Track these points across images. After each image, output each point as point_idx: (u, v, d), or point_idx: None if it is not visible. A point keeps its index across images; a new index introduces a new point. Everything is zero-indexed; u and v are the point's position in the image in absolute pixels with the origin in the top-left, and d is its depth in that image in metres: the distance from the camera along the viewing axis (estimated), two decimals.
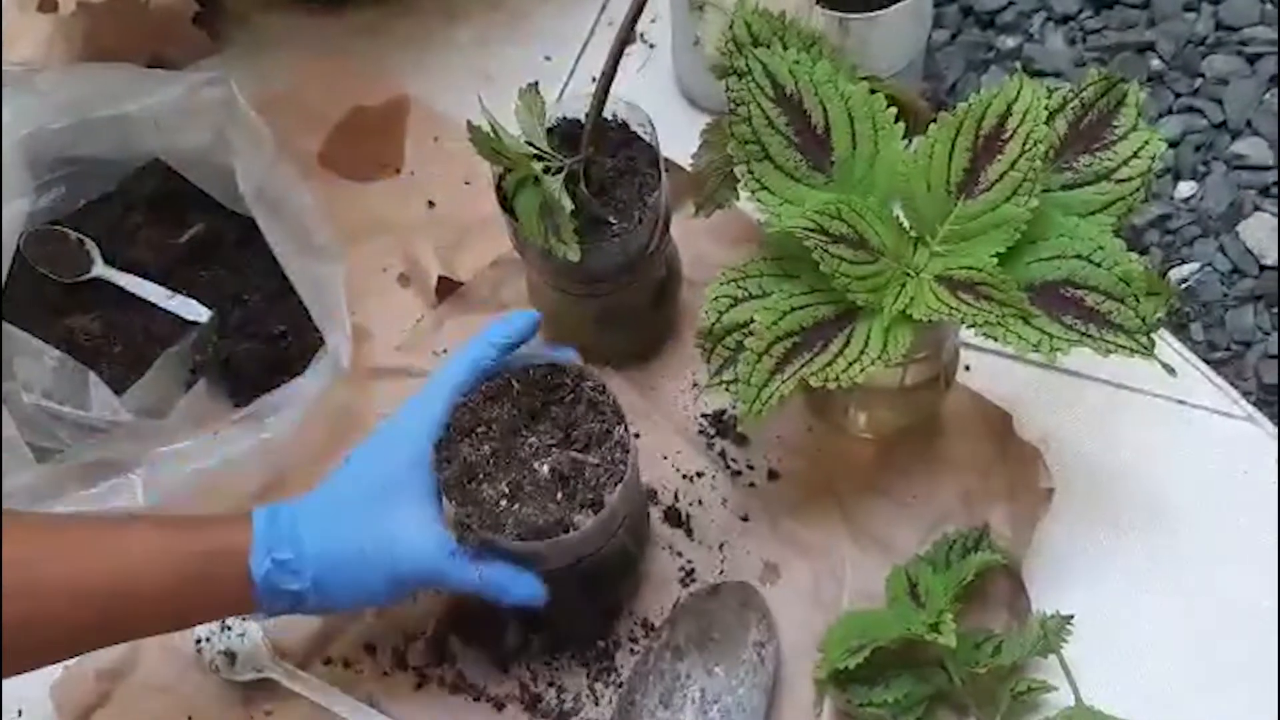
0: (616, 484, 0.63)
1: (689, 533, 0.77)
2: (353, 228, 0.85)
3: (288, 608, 0.63)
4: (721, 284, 0.64)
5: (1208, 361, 0.81)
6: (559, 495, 0.63)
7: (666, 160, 0.71)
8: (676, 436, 0.79)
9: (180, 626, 0.65)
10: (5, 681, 0.58)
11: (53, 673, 0.73)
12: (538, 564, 0.67)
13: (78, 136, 0.81)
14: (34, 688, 0.73)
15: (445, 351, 0.82)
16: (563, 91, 0.91)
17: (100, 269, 0.83)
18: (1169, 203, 0.86)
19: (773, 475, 0.78)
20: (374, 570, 0.62)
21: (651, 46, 0.93)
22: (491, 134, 0.65)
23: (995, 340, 0.60)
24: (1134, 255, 0.60)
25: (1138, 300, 0.60)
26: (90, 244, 0.84)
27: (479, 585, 0.63)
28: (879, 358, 0.61)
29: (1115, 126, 0.64)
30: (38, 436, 0.75)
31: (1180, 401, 0.79)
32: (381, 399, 0.81)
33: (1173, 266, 0.84)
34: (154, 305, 0.82)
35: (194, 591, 0.61)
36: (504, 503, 0.63)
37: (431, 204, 0.88)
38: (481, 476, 0.64)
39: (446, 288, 0.84)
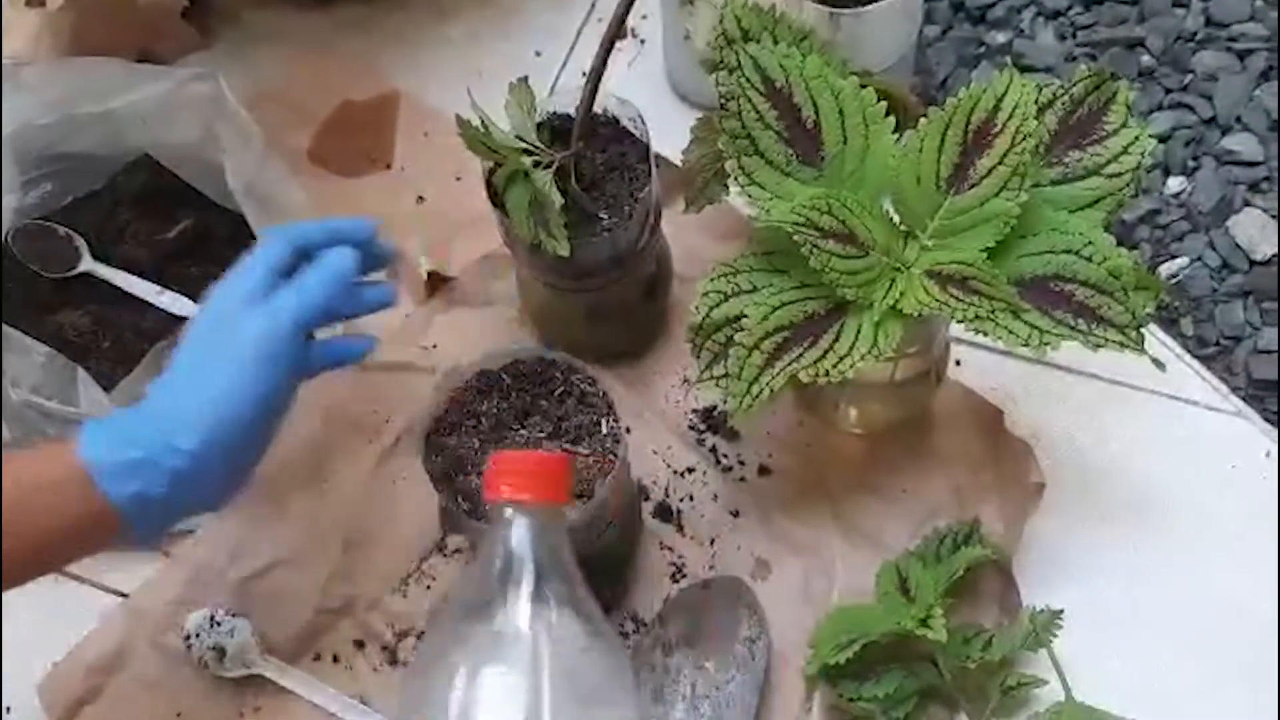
0: (607, 475, 0.63)
1: (680, 528, 0.77)
2: None
3: (148, 487, 0.57)
4: (712, 279, 0.64)
5: (1197, 357, 0.81)
6: None
7: (657, 155, 0.71)
8: (667, 432, 0.79)
9: (47, 568, 0.60)
10: None
11: (41, 670, 0.73)
12: None
13: (65, 132, 0.81)
14: (21, 684, 0.73)
15: (435, 346, 0.82)
16: (553, 86, 0.91)
17: (89, 264, 0.83)
18: (1159, 198, 0.86)
19: (763, 471, 0.78)
20: (215, 371, 0.59)
21: (642, 42, 0.93)
22: (481, 129, 0.65)
23: (985, 335, 0.60)
24: (1124, 250, 0.60)
25: (1127, 295, 0.60)
26: (78, 239, 0.83)
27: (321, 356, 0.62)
28: (869, 353, 0.61)
29: (1105, 122, 0.64)
30: (26, 433, 0.74)
31: (1170, 396, 0.79)
32: (370, 394, 0.81)
33: (1162, 261, 0.84)
34: (143, 301, 0.82)
35: (36, 516, 0.56)
36: None
37: (421, 199, 0.87)
38: (470, 468, 0.64)
39: (436, 283, 0.84)
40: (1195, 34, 0.91)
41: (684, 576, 0.75)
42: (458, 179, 0.87)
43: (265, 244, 0.64)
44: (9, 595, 0.58)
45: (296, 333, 0.61)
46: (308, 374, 0.65)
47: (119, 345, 0.81)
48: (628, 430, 0.76)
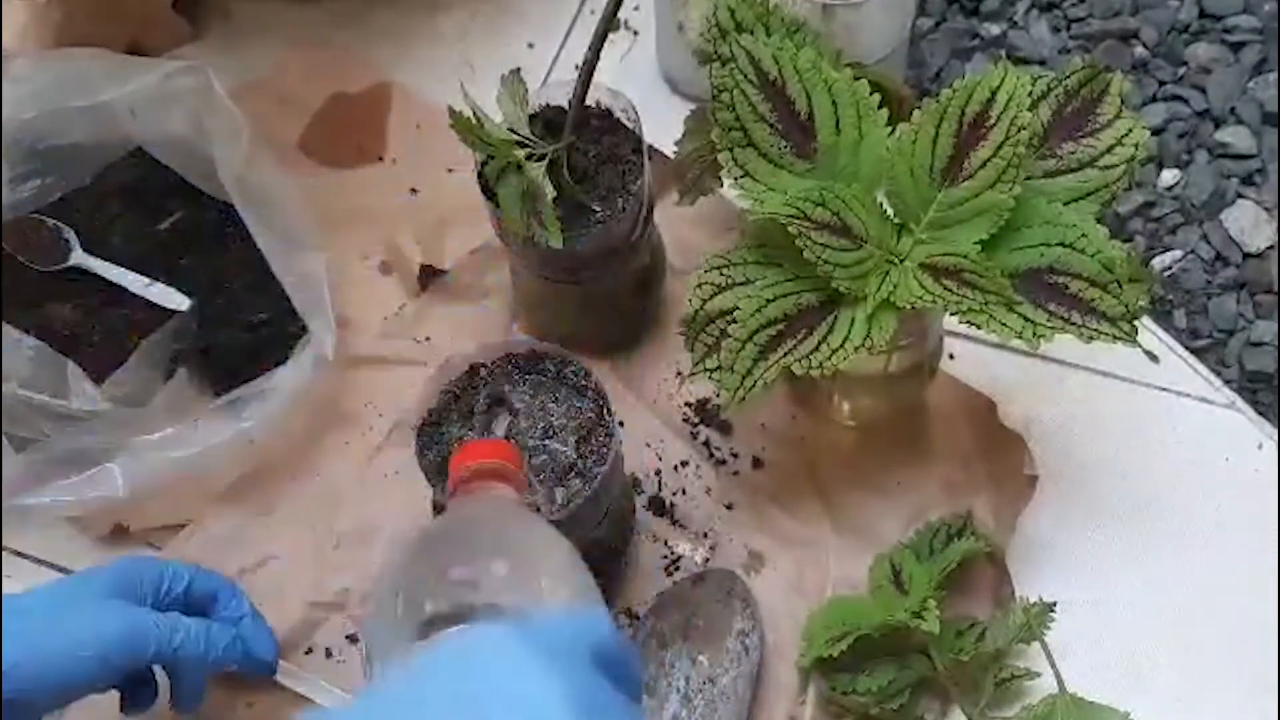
0: (599, 469, 0.63)
1: (673, 521, 0.76)
2: (334, 216, 0.84)
3: None
4: (705, 271, 0.64)
5: (1190, 349, 0.81)
6: (542, 480, 0.63)
7: (650, 147, 0.71)
8: (660, 425, 0.79)
9: None
10: None
11: None
12: None
13: (54, 125, 0.81)
14: None
15: (427, 339, 0.82)
16: (546, 78, 0.91)
17: (79, 257, 0.83)
18: (1152, 191, 0.86)
19: (757, 463, 0.78)
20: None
21: (635, 33, 0.92)
22: (474, 120, 0.65)
23: (979, 328, 0.60)
24: (1117, 243, 0.60)
25: (1121, 288, 0.60)
26: (68, 232, 0.83)
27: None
28: (862, 345, 0.61)
29: (1099, 115, 0.64)
30: (16, 427, 0.74)
31: (1163, 389, 0.79)
32: (363, 388, 0.80)
33: (1156, 254, 0.84)
34: (134, 294, 0.82)
35: None
36: None
37: (414, 191, 0.87)
38: None
39: (428, 276, 0.84)
40: (1189, 26, 0.91)
41: (677, 570, 0.75)
42: (450, 171, 0.86)
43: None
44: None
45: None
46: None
47: (110, 338, 0.81)
48: (621, 423, 0.76)
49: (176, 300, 0.81)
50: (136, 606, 0.62)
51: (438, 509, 0.65)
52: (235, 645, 0.65)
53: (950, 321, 0.63)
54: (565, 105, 0.68)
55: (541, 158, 0.66)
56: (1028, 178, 0.62)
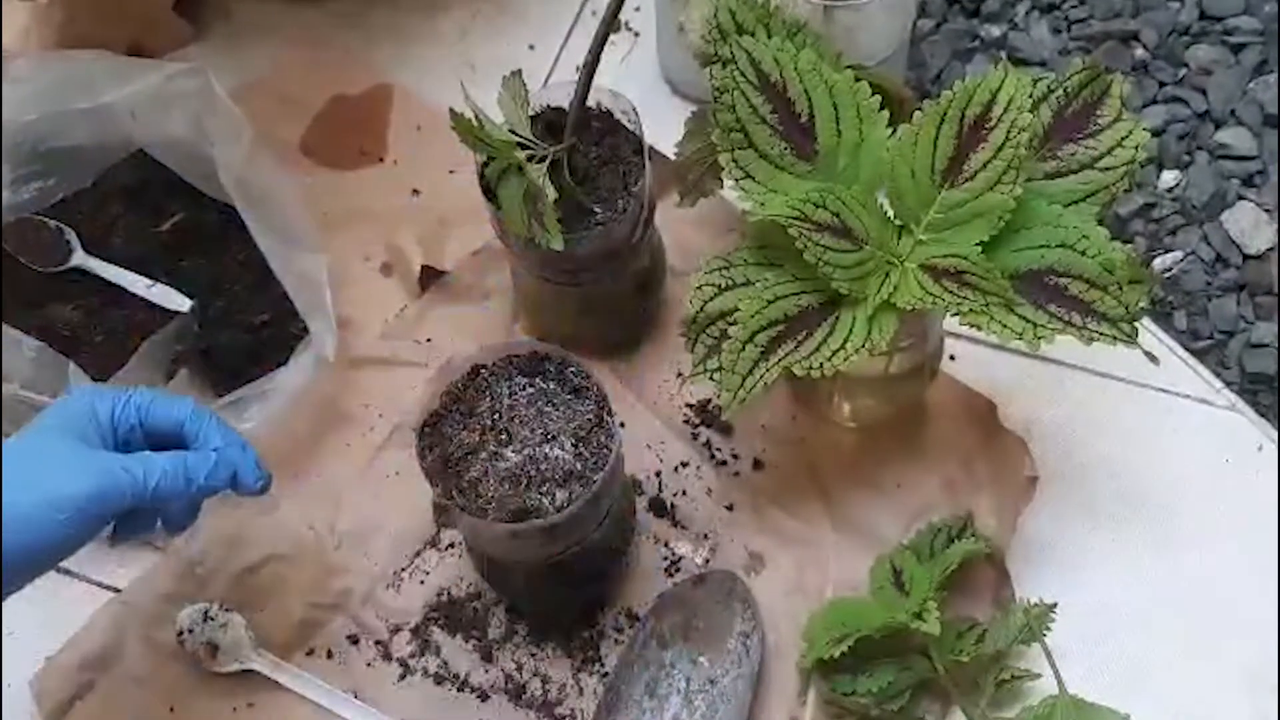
0: (600, 470, 0.63)
1: (674, 522, 0.76)
2: (335, 217, 0.85)
3: None
4: (706, 273, 0.64)
5: (1190, 350, 0.81)
6: (542, 482, 0.63)
7: (650, 149, 0.71)
8: (661, 426, 0.79)
9: None
10: None
11: (34, 665, 0.73)
12: (522, 552, 0.67)
13: (55, 127, 0.81)
14: (14, 680, 0.73)
15: (428, 341, 0.82)
16: (547, 80, 0.91)
17: (80, 258, 0.83)
18: (1153, 192, 0.86)
19: (757, 464, 0.78)
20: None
21: (636, 35, 0.92)
22: (475, 122, 0.65)
23: (979, 329, 0.60)
24: (1118, 244, 0.60)
25: (1121, 289, 0.60)
26: (70, 232, 0.83)
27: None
28: (863, 346, 0.61)
29: (1099, 116, 0.64)
30: (18, 427, 0.74)
31: (1163, 390, 0.79)
32: (364, 389, 0.81)
33: (1156, 255, 0.85)
34: (135, 295, 0.82)
35: None
36: (487, 487, 0.63)
37: (415, 192, 0.87)
38: (464, 462, 0.63)
39: (430, 277, 0.84)
40: (1189, 28, 0.91)
41: (678, 571, 0.75)
42: (451, 172, 0.87)
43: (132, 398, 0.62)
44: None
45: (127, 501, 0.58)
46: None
47: (111, 339, 0.81)
48: (621, 425, 0.76)
49: (177, 301, 0.81)
50: (101, 452, 0.59)
51: (438, 510, 0.65)
52: (216, 472, 0.61)
53: (951, 323, 0.63)
54: (566, 107, 0.68)
55: (542, 159, 0.66)
56: (1028, 179, 0.62)
